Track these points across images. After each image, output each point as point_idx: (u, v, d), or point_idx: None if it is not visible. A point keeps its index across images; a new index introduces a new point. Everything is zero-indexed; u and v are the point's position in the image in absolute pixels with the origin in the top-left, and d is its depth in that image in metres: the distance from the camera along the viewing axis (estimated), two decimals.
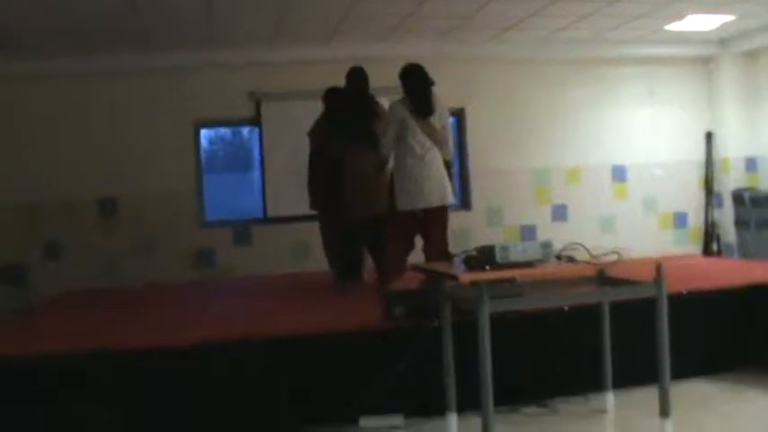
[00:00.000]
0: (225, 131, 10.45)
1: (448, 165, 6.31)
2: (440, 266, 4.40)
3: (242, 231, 9.41)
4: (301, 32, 8.54)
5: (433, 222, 6.18)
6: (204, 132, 9.69)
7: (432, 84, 6.19)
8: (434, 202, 6.12)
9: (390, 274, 6.16)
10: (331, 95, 7.14)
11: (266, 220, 9.45)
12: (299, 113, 8.97)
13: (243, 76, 9.30)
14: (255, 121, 9.48)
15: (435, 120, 6.17)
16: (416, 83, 6.17)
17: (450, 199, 6.27)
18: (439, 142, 6.17)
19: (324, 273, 7.51)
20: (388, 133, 6.14)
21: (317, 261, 8.73)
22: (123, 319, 6.01)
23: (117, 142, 9.05)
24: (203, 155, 9.65)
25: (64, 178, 8.95)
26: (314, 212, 7.40)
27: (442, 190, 6.15)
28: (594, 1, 7.92)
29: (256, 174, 9.70)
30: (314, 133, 7.20)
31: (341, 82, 6.98)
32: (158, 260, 9.02)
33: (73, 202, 8.99)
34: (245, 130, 10.20)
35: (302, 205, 8.50)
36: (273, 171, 9.34)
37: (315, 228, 8.31)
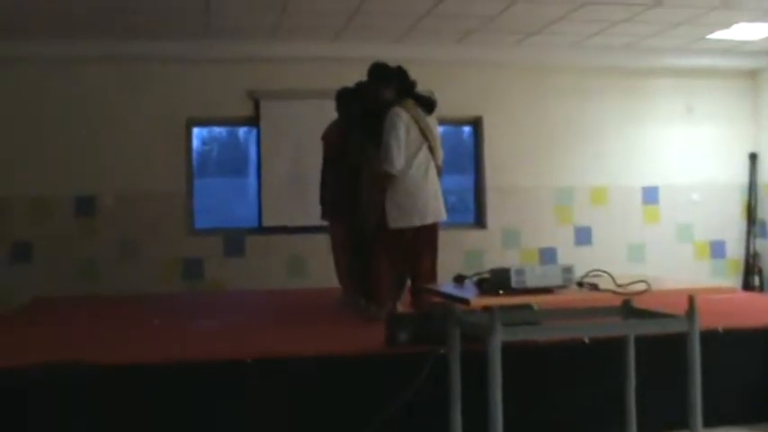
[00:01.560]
0: (220, 131, 10.43)
1: (440, 173, 6.27)
2: (449, 289, 4.36)
3: (234, 241, 9.38)
4: (306, 28, 8.53)
5: (424, 244, 6.11)
6: (197, 131, 9.68)
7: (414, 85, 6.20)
8: (429, 218, 6.06)
9: (383, 299, 6.09)
10: (352, 94, 7.00)
11: (261, 229, 9.42)
12: (301, 114, 9.03)
13: (241, 72, 9.30)
14: (253, 122, 9.47)
15: (433, 123, 6.16)
16: (408, 84, 6.18)
17: (444, 215, 6.21)
18: (434, 148, 6.13)
19: (323, 291, 7.48)
20: (402, 143, 5.97)
21: (316, 277, 8.74)
22: (96, 332, 5.97)
23: (99, 136, 9.04)
24: (195, 156, 9.65)
25: (36, 172, 8.91)
26: (323, 223, 7.30)
27: (437, 205, 6.11)
28: (631, 5, 7.89)
29: (252, 179, 9.68)
30: (329, 137, 7.11)
31: (347, 82, 6.95)
32: (140, 268, 8.99)
33: (46, 199, 8.97)
34: (242, 131, 10.19)
35: (302, 215, 8.52)
36: (271, 176, 9.32)
37: (315, 241, 8.31)
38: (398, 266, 6.18)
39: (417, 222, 6.03)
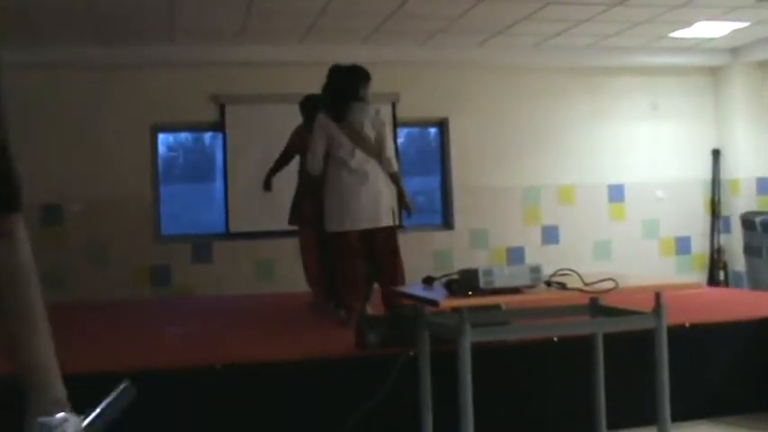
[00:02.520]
0: (185, 137, 10.38)
1: (395, 179, 6.13)
2: (418, 291, 4.36)
3: (201, 247, 9.34)
4: (270, 31, 8.51)
5: (378, 249, 6.04)
6: (162, 137, 9.64)
7: (354, 87, 6.09)
8: (364, 224, 5.96)
9: (348, 302, 6.07)
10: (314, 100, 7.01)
11: (228, 235, 9.39)
12: (267, 119, 9.01)
13: (206, 77, 9.26)
14: (219, 127, 9.45)
15: (367, 129, 6.00)
16: (334, 88, 6.11)
17: (387, 221, 6.04)
18: (375, 154, 6.01)
19: (292, 295, 7.46)
20: (318, 148, 5.98)
21: (285, 282, 8.72)
22: (62, 339, 5.91)
23: (64, 143, 8.97)
24: (161, 162, 9.60)
25: None
26: (290, 228, 7.28)
27: (374, 210, 5.97)
28: (593, 5, 7.95)
29: (219, 184, 9.64)
30: (294, 142, 7.11)
31: (313, 86, 6.93)
32: (107, 276, 8.93)
33: None
34: (208, 136, 10.14)
35: (269, 220, 8.51)
36: (238, 182, 9.30)
37: (282, 245, 8.29)
38: (356, 270, 6.07)
39: (348, 227, 5.95)
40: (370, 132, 6.01)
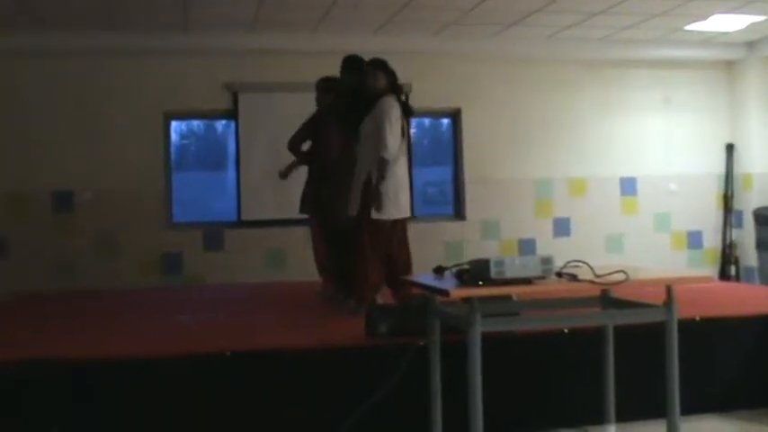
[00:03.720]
0: (198, 125, 10.40)
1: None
2: (429, 281, 4.37)
3: (213, 235, 9.35)
4: (284, 20, 8.50)
5: (400, 237, 6.21)
6: (175, 125, 9.64)
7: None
8: (407, 212, 6.20)
9: (369, 289, 6.10)
10: (333, 84, 6.98)
11: (240, 223, 9.40)
12: (280, 107, 9.01)
13: (219, 65, 9.26)
14: (231, 115, 9.45)
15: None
16: (396, 81, 6.18)
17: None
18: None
19: (302, 284, 7.47)
20: (394, 130, 5.98)
21: (295, 270, 8.73)
22: (75, 327, 5.95)
23: (76, 129, 8.99)
24: (173, 149, 9.61)
25: (13, 166, 8.85)
26: (302, 216, 7.28)
27: (409, 201, 6.25)
28: None
29: (231, 172, 9.66)
30: (308, 128, 7.08)
31: (326, 75, 6.94)
32: (119, 263, 8.96)
33: (23, 194, 8.91)
34: (220, 124, 10.16)
35: (280, 208, 8.51)
36: (250, 170, 9.30)
37: (293, 234, 8.30)
38: (380, 259, 6.17)
39: (401, 215, 6.11)
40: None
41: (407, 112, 6.18)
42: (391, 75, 6.16)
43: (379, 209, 5.99)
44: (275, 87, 9.22)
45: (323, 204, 6.82)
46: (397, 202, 6.06)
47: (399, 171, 6.08)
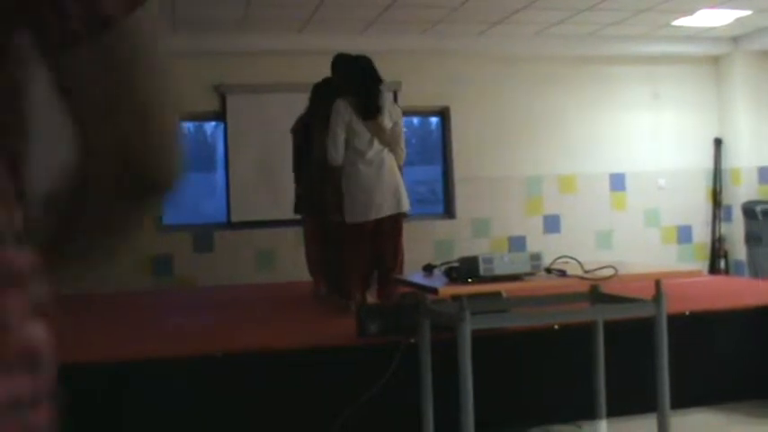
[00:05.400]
0: (186, 127, 10.38)
1: (400, 169, 6.20)
2: (418, 279, 4.38)
3: (203, 237, 9.34)
4: (271, 20, 8.50)
5: (384, 235, 6.06)
6: None
7: (380, 80, 6.09)
8: (386, 211, 5.99)
9: (351, 292, 6.09)
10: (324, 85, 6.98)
11: (230, 225, 9.39)
12: (268, 108, 8.99)
13: (207, 67, 9.23)
14: (220, 116, 9.43)
15: (385, 119, 6.01)
16: (364, 77, 6.03)
17: (406, 205, 6.13)
18: (389, 144, 6.03)
19: (293, 284, 7.47)
20: (338, 136, 5.93)
21: (286, 271, 8.72)
22: (64, 330, 5.93)
23: None
24: None
25: None
26: (292, 217, 7.27)
27: (396, 197, 6.02)
28: None
29: (220, 174, 9.64)
30: (298, 129, 7.08)
31: (314, 75, 6.93)
32: (108, 266, 8.90)
33: None
34: (209, 126, 10.15)
35: (270, 210, 8.49)
36: (239, 171, 9.29)
37: (283, 235, 8.29)
38: (363, 258, 6.13)
39: (373, 216, 5.98)
40: (388, 122, 6.02)
41: (366, 114, 5.97)
42: (345, 75, 6.11)
43: (345, 214, 6.01)
44: (264, 88, 9.21)
45: (326, 204, 6.82)
46: (353, 206, 5.98)
47: (363, 175, 5.96)
